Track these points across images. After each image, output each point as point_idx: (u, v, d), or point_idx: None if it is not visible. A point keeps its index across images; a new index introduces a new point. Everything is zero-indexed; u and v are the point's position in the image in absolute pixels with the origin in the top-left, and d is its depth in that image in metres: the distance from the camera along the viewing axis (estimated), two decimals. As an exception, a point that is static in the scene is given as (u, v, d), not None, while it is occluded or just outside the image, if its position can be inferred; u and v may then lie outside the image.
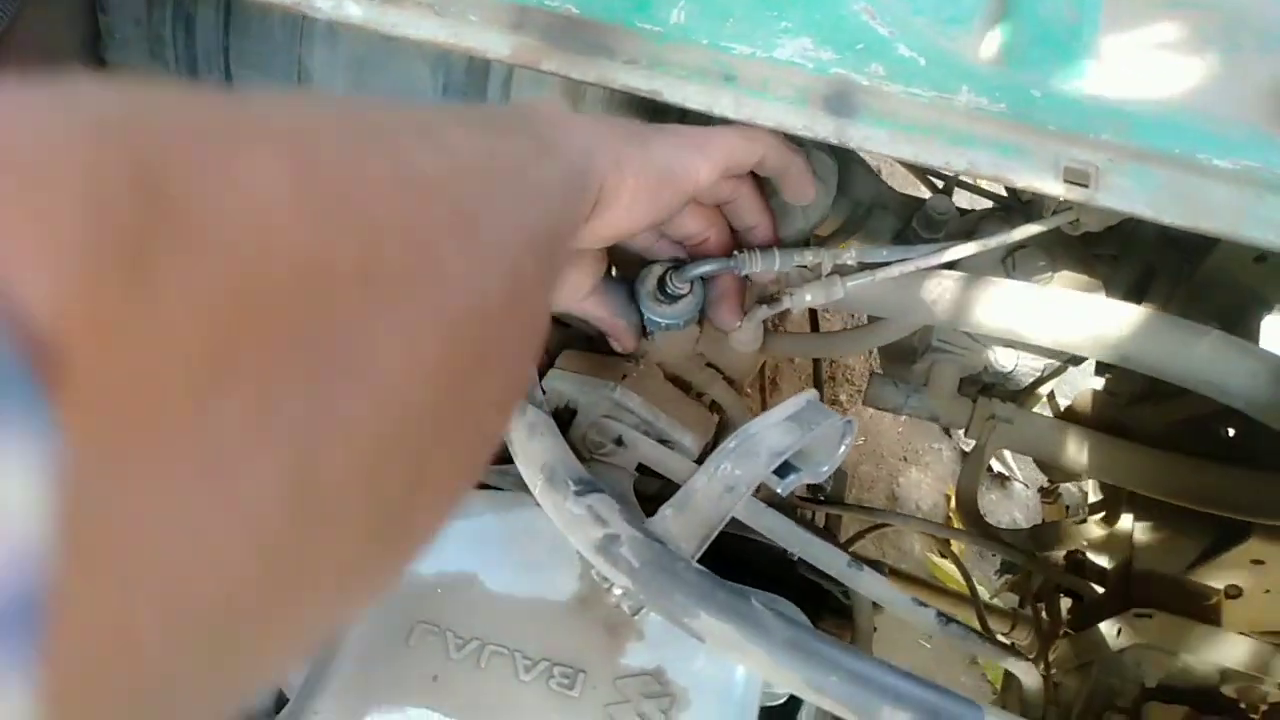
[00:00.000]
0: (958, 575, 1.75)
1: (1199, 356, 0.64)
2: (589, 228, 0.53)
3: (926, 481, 2.26)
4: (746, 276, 0.66)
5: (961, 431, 2.25)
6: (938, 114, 0.59)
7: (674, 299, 0.64)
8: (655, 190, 0.55)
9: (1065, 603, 1.19)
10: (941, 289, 0.70)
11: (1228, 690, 0.82)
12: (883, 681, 0.46)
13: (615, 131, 0.54)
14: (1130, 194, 0.58)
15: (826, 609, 0.80)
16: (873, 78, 0.60)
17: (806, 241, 0.80)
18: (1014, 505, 2.23)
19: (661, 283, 0.64)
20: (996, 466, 2.24)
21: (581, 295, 0.62)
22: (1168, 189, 0.57)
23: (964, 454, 2.20)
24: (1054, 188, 0.58)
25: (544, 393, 0.65)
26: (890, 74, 0.60)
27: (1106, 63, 0.59)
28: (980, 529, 0.99)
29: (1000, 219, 0.86)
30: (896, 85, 0.59)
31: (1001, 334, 0.69)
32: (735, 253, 0.63)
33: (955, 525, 1.76)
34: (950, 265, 0.75)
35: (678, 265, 0.64)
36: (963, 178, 1.05)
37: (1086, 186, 0.58)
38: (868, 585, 0.63)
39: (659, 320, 0.67)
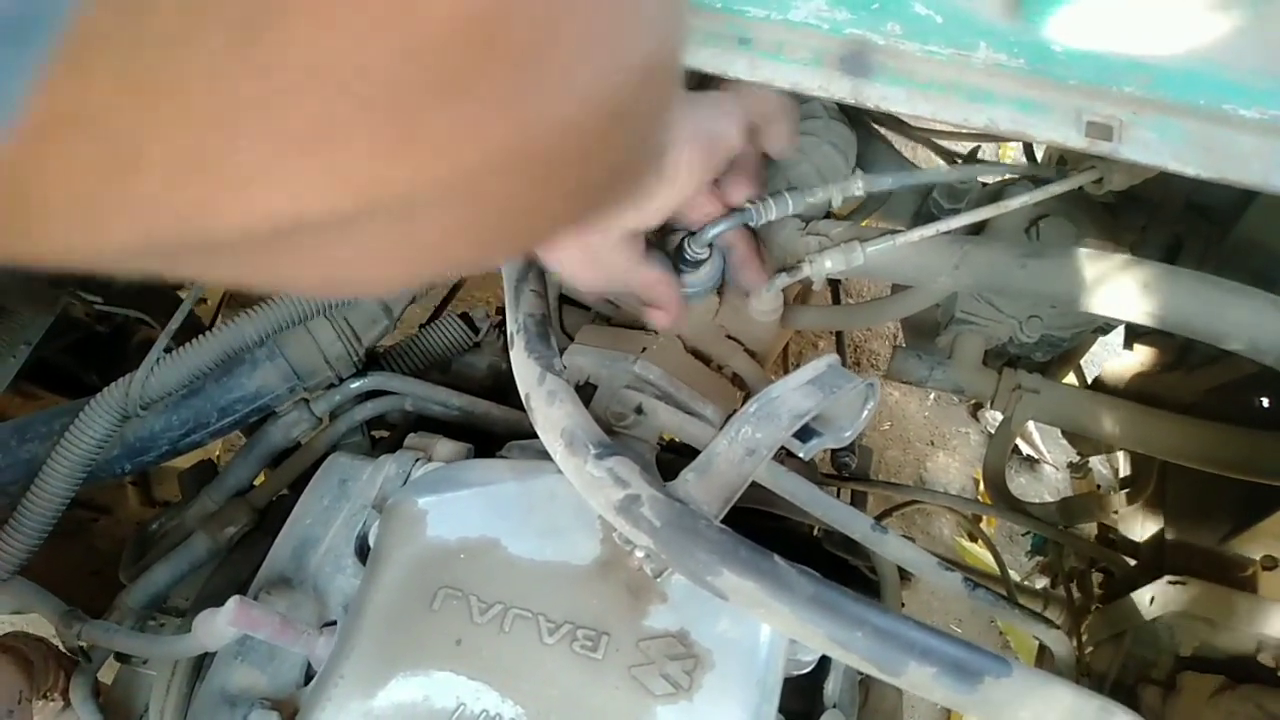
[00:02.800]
0: (987, 559, 1.73)
1: (1231, 315, 0.63)
2: (653, 206, 0.53)
3: (954, 465, 2.24)
4: (759, 236, 0.66)
5: (989, 414, 2.21)
6: (956, 71, 0.59)
7: (695, 265, 0.63)
8: (706, 160, 0.56)
9: (1096, 579, 1.17)
10: (964, 252, 0.69)
11: (1264, 658, 0.80)
12: (909, 636, 0.45)
13: None
14: (1155, 146, 0.56)
15: (853, 585, 0.79)
16: (889, 36, 0.59)
17: (826, 216, 0.80)
18: (1044, 488, 2.20)
19: (680, 250, 0.64)
20: (1025, 449, 2.21)
21: (637, 262, 0.60)
22: (1193, 140, 0.56)
23: (992, 437, 2.19)
24: (1077, 141, 0.57)
25: (564, 366, 0.65)
26: (907, 32, 0.59)
27: (1128, 15, 0.58)
28: (1009, 503, 0.98)
29: (1023, 189, 0.85)
30: (913, 43, 0.59)
31: (1029, 296, 0.68)
32: (748, 205, 0.63)
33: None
34: (973, 233, 0.74)
35: (692, 231, 0.63)
36: (982, 149, 1.04)
37: (1110, 140, 0.57)
38: (893, 549, 0.63)
39: (683, 290, 0.66)
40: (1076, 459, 1.46)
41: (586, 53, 0.23)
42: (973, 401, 2.25)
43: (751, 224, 0.62)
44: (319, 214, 0.21)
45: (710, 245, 0.63)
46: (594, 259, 0.57)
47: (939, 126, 0.76)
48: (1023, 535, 1.88)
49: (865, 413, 0.60)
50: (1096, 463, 1.53)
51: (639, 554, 0.56)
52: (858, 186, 0.64)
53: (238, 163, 0.19)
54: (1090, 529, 1.20)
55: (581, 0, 0.22)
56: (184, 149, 0.18)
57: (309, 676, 0.63)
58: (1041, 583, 1.47)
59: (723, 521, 0.50)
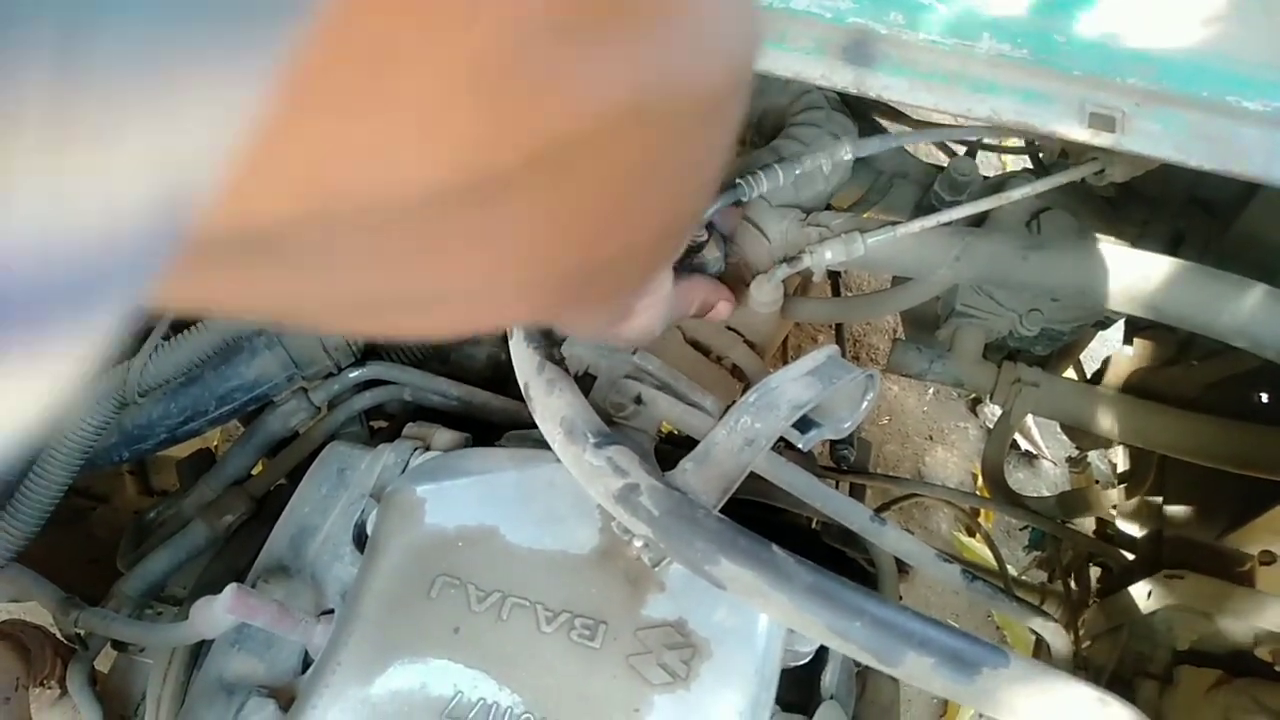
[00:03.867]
0: (985, 554, 1.73)
1: (1232, 308, 0.63)
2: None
3: (953, 460, 2.24)
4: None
5: (987, 409, 2.21)
6: (959, 61, 0.58)
7: (694, 250, 0.64)
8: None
9: (1094, 574, 1.17)
10: (965, 244, 0.69)
11: (1261, 652, 0.81)
12: (907, 627, 0.45)
13: None
14: (1157, 138, 0.56)
15: (851, 577, 0.79)
16: (892, 26, 0.59)
17: (825, 209, 0.80)
18: (1042, 483, 2.20)
19: None
20: (1024, 444, 2.21)
21: (676, 280, 0.60)
22: (1196, 132, 0.56)
23: (990, 431, 2.17)
24: (1079, 133, 0.57)
25: (563, 356, 0.65)
26: (910, 22, 0.59)
27: (1132, 6, 0.58)
28: (1007, 497, 0.98)
29: (1025, 181, 0.84)
30: (916, 33, 0.59)
31: (1030, 289, 0.68)
32: (738, 180, 0.63)
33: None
34: (974, 226, 0.74)
35: None
36: (985, 139, 1.04)
37: (1113, 131, 0.57)
38: (891, 540, 0.63)
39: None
40: (1075, 454, 1.46)
41: (725, 16, 0.25)
42: (972, 396, 2.25)
43: (744, 199, 0.62)
44: (467, 173, 0.20)
45: (708, 227, 0.63)
46: (657, 299, 0.53)
47: (941, 119, 0.76)
48: (1020, 530, 1.88)
49: (865, 404, 0.60)
50: (1095, 457, 1.53)
51: (637, 543, 0.56)
52: (845, 151, 0.64)
53: (401, 112, 0.17)
54: (1088, 523, 1.20)
55: None
56: (338, 87, 0.16)
57: (306, 664, 0.62)
58: (1039, 578, 1.47)
59: (721, 512, 0.50)
